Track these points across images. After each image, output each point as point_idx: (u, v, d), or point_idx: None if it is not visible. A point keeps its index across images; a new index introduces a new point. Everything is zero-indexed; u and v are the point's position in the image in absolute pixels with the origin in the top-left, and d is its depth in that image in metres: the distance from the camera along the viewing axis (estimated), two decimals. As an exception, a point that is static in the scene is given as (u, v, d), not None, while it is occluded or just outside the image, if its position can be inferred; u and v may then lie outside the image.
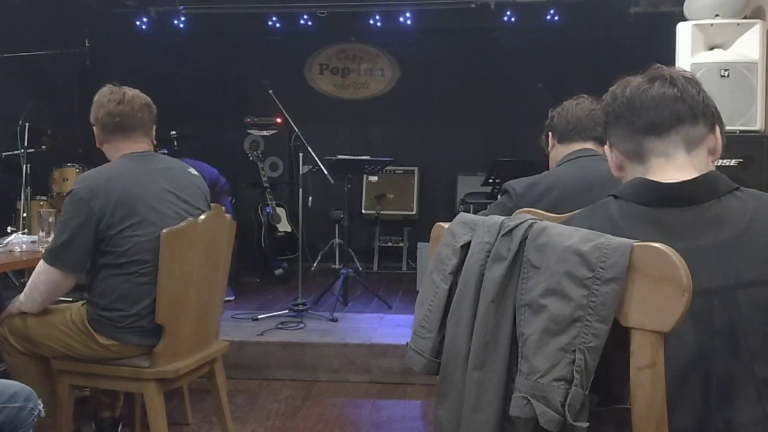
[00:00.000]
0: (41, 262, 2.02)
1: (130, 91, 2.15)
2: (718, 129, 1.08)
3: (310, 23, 6.18)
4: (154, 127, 2.22)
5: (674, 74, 1.07)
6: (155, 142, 2.24)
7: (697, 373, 0.94)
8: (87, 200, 1.96)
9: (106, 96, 2.13)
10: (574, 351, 0.86)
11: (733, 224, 0.98)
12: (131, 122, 2.11)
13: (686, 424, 0.92)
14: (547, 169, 1.98)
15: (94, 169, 2.09)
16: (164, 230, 1.98)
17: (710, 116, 1.07)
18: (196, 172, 2.27)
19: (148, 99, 2.19)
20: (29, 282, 2.07)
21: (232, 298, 4.49)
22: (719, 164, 2.30)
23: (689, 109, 1.05)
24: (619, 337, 0.87)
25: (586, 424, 0.86)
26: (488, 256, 1.00)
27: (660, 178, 1.04)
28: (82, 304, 2.09)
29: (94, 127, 2.17)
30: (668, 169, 1.05)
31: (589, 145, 1.91)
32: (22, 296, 2.11)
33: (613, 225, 1.02)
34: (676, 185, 1.02)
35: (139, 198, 2.01)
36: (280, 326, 3.67)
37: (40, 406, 1.57)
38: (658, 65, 1.11)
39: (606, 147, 1.17)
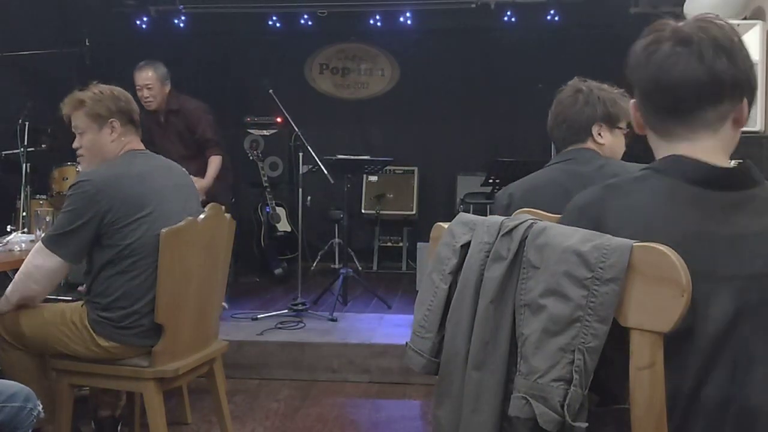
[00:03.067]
0: (37, 250, 2.00)
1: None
2: (745, 100, 0.99)
3: (310, 23, 6.18)
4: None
5: (704, 43, 0.95)
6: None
7: (732, 356, 0.90)
8: (94, 194, 1.95)
9: (110, 90, 2.15)
10: (573, 351, 0.86)
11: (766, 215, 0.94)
12: (136, 118, 2.21)
13: (712, 395, 0.90)
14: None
15: (104, 165, 2.10)
16: (164, 230, 1.97)
17: (738, 89, 0.97)
18: (185, 171, 2.36)
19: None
20: (20, 272, 2.05)
21: (226, 306, 4.40)
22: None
23: (715, 88, 0.95)
24: (619, 338, 0.87)
25: (585, 425, 0.86)
26: (488, 256, 1.01)
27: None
28: (82, 305, 2.08)
29: (96, 125, 2.11)
30: (695, 153, 0.98)
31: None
32: (9, 288, 2.08)
33: (658, 204, 0.96)
34: (721, 169, 0.96)
35: (145, 195, 2.02)
36: (279, 326, 3.67)
37: (40, 407, 1.57)
38: (690, 18, 0.99)
39: (631, 102, 1.07)
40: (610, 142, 1.82)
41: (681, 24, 0.99)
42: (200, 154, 3.91)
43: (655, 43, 0.98)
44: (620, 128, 1.84)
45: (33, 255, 2.02)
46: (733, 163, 0.98)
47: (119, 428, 2.43)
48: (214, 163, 3.91)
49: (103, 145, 2.12)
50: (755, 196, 0.95)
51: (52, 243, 1.98)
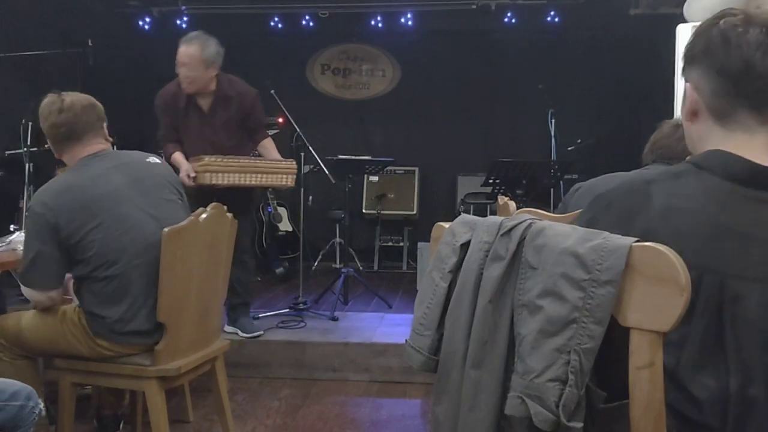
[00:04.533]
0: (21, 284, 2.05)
1: (69, 97, 2.09)
2: None
3: (311, 24, 6.19)
4: (105, 124, 2.17)
5: None
6: (110, 139, 2.20)
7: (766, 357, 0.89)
8: (42, 214, 1.94)
9: (47, 108, 2.08)
10: (569, 352, 0.87)
11: None
12: (77, 128, 2.08)
13: (756, 394, 0.89)
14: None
15: (48, 182, 2.07)
16: (165, 229, 1.99)
17: None
18: (156, 160, 2.22)
19: (90, 99, 2.14)
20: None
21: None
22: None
23: None
24: (627, 335, 0.87)
25: (580, 424, 0.86)
26: (487, 256, 1.01)
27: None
28: (79, 305, 2.09)
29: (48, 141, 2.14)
30: (749, 147, 0.96)
31: None
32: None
33: (696, 204, 0.93)
34: (765, 167, 0.93)
35: (94, 201, 1.98)
36: (280, 325, 3.68)
37: (41, 405, 1.58)
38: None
39: (688, 85, 1.01)
40: None
41: (759, 12, 0.96)
42: (245, 143, 3.51)
43: (744, 25, 0.95)
44: None
45: (23, 287, 2.06)
46: None
47: (121, 425, 2.44)
48: (271, 143, 3.60)
49: (65, 161, 2.18)
50: None
51: (23, 279, 2.01)
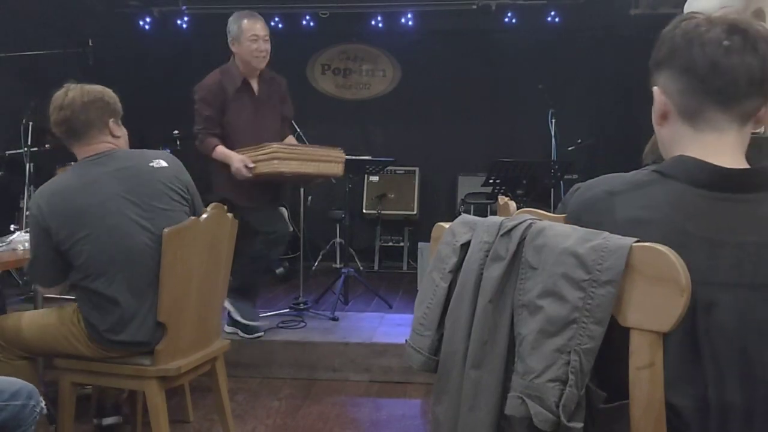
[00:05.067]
0: None
1: (72, 92, 2.00)
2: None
3: (312, 24, 6.19)
4: (111, 120, 2.06)
5: (757, 36, 0.95)
6: (119, 135, 2.09)
7: (744, 362, 0.89)
8: (35, 216, 1.94)
9: (51, 103, 2.01)
10: (570, 352, 0.87)
11: None
12: (77, 125, 1.99)
13: (735, 401, 0.89)
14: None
15: (45, 184, 2.02)
16: (166, 229, 1.99)
17: None
18: (161, 164, 2.10)
19: (96, 93, 2.02)
20: None
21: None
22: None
23: (764, 82, 0.95)
24: (627, 335, 0.87)
25: (580, 425, 0.86)
26: (487, 256, 1.01)
27: (710, 158, 0.96)
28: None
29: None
30: (719, 147, 0.97)
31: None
32: None
33: (664, 210, 0.93)
34: (734, 171, 0.94)
35: (85, 210, 1.93)
36: (281, 325, 3.68)
37: (42, 403, 1.58)
38: (721, 14, 0.98)
39: (656, 89, 1.03)
40: None
41: (719, 16, 0.97)
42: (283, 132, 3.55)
43: (705, 25, 0.96)
44: None
45: None
46: (740, 156, 0.97)
47: (121, 412, 2.43)
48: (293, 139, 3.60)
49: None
50: (760, 204, 0.93)
51: (29, 275, 2.08)
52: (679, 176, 0.95)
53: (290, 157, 3.14)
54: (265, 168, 3.10)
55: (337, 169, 3.43)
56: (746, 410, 0.89)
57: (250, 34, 3.18)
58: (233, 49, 3.26)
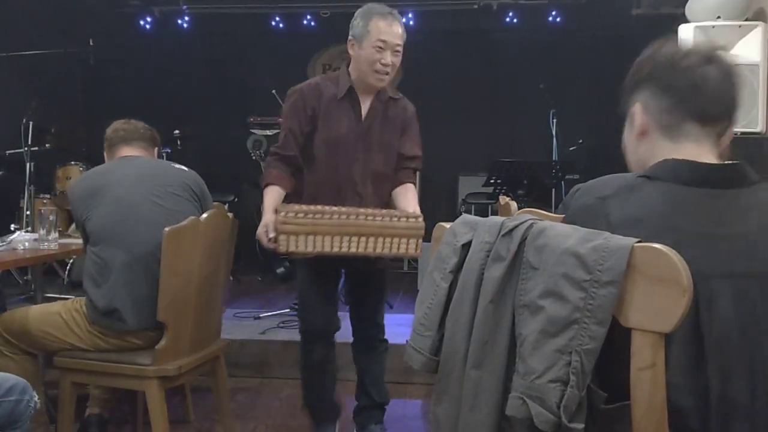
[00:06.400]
0: None
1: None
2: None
3: (313, 23, 6.20)
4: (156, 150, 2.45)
5: (730, 68, 1.05)
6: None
7: (745, 354, 0.91)
8: (68, 198, 2.27)
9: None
10: (571, 353, 0.87)
11: (763, 214, 0.97)
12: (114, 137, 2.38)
13: (737, 397, 0.91)
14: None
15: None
16: (167, 228, 1.99)
17: (736, 113, 1.07)
18: (183, 168, 2.32)
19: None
20: None
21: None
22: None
23: (733, 109, 1.05)
24: (627, 334, 0.87)
25: (581, 425, 0.86)
26: (488, 256, 1.01)
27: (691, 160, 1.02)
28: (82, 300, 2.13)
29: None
30: (698, 153, 1.03)
31: None
32: None
33: (655, 212, 0.97)
34: (717, 166, 1.01)
35: (100, 187, 2.14)
36: (281, 325, 3.68)
37: (36, 398, 1.59)
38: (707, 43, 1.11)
39: (636, 107, 1.09)
40: None
41: (696, 45, 1.11)
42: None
43: (685, 52, 1.06)
44: None
45: None
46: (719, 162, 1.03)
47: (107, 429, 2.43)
48: (414, 193, 2.40)
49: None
50: (751, 194, 0.99)
51: None
52: (665, 177, 1.00)
53: (342, 230, 2.06)
54: (295, 245, 2.04)
55: (412, 247, 2.14)
56: (749, 407, 0.90)
57: (377, 39, 2.19)
58: (350, 51, 2.26)
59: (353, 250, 2.09)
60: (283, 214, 2.02)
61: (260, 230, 2.17)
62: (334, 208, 2.07)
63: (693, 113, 1.03)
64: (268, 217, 2.15)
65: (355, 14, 2.28)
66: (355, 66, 2.28)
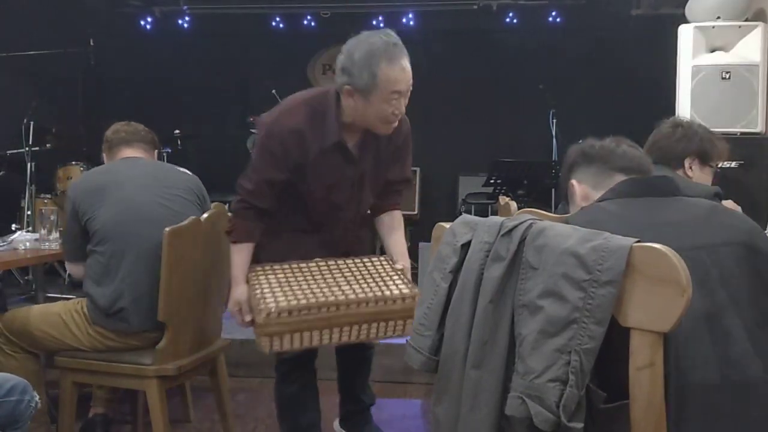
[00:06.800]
0: None
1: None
2: None
3: (313, 24, 6.20)
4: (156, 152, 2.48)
5: (627, 145, 1.35)
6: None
7: (708, 330, 0.98)
8: (71, 195, 2.18)
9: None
10: (570, 353, 0.87)
11: (700, 207, 1.18)
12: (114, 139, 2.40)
13: (708, 377, 0.95)
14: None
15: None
16: (167, 228, 2.00)
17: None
18: (186, 171, 2.37)
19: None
20: None
21: None
22: (721, 166, 2.32)
23: (647, 162, 1.34)
24: (627, 335, 0.88)
25: (580, 425, 0.87)
26: (488, 256, 1.02)
27: None
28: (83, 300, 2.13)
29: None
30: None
31: None
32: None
33: (609, 214, 1.15)
34: (652, 178, 1.27)
35: (104, 186, 2.15)
36: (281, 325, 3.67)
37: (36, 398, 1.59)
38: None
39: (572, 182, 1.36)
40: (698, 176, 1.98)
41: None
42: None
43: (595, 141, 1.39)
44: (711, 166, 2.02)
45: None
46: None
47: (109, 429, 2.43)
48: (400, 220, 2.31)
49: None
50: (680, 199, 1.20)
51: (62, 251, 2.28)
52: (614, 194, 1.20)
53: (332, 323, 1.85)
54: (280, 345, 1.90)
55: (409, 328, 1.88)
56: (709, 357, 0.96)
57: (390, 92, 1.85)
58: (350, 100, 1.90)
59: (344, 339, 1.91)
60: (263, 316, 1.76)
61: (232, 308, 1.95)
62: (321, 299, 1.81)
63: (616, 168, 1.28)
64: (239, 291, 1.92)
65: (348, 54, 1.87)
66: (357, 115, 1.93)
